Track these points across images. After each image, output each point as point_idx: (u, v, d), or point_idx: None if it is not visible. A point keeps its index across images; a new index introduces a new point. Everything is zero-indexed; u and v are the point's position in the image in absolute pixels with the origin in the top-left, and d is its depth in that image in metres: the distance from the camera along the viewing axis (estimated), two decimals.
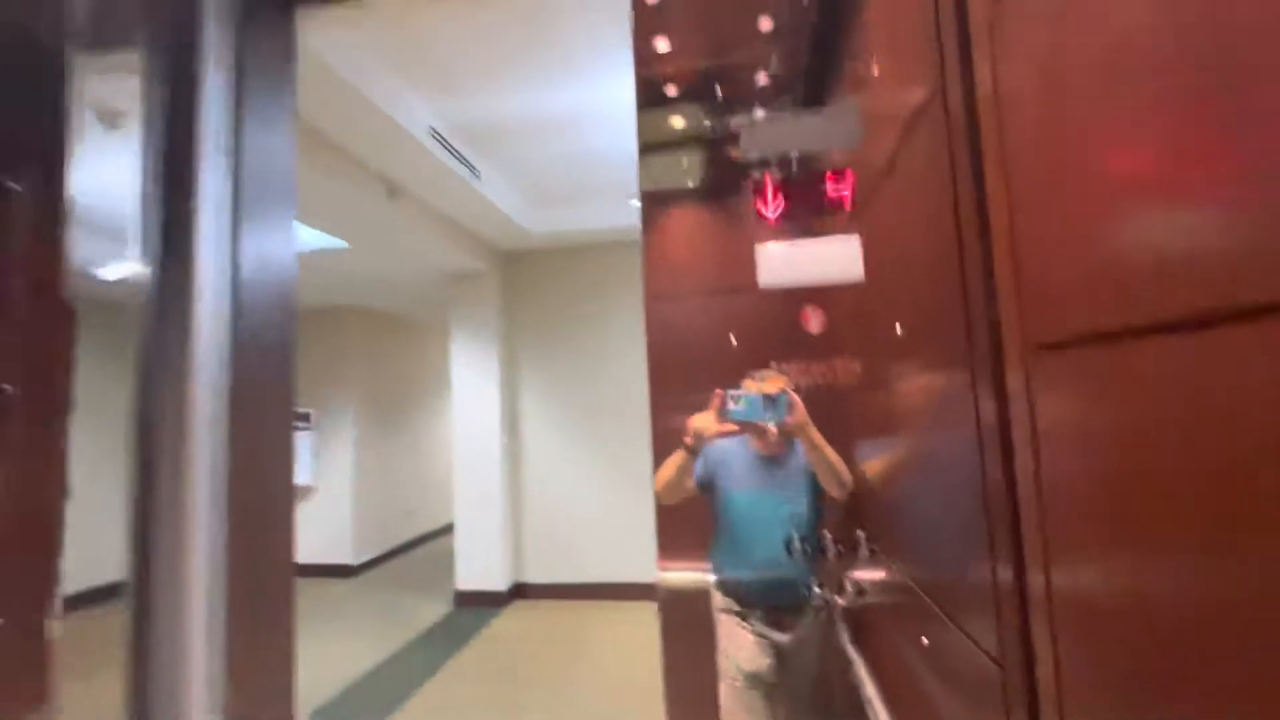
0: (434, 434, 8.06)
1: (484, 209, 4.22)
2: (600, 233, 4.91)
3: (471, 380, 5.35)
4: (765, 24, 1.49)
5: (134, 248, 0.83)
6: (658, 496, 1.31)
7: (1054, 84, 0.59)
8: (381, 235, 4.18)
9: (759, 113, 1.08)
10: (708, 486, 1.36)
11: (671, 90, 1.22)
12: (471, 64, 2.82)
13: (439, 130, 3.23)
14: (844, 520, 1.19)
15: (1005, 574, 0.70)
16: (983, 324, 0.73)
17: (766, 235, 0.79)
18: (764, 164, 0.85)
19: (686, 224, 1.26)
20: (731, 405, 1.05)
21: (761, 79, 1.18)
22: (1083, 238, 0.55)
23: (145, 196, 0.84)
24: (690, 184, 1.22)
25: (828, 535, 1.19)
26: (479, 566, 5.23)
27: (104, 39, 0.92)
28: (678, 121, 1.18)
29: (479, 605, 5.14)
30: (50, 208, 0.85)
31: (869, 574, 1.07)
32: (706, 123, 1.18)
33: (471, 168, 3.64)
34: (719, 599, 1.41)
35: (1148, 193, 0.47)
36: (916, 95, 0.86)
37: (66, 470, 0.84)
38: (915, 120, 0.86)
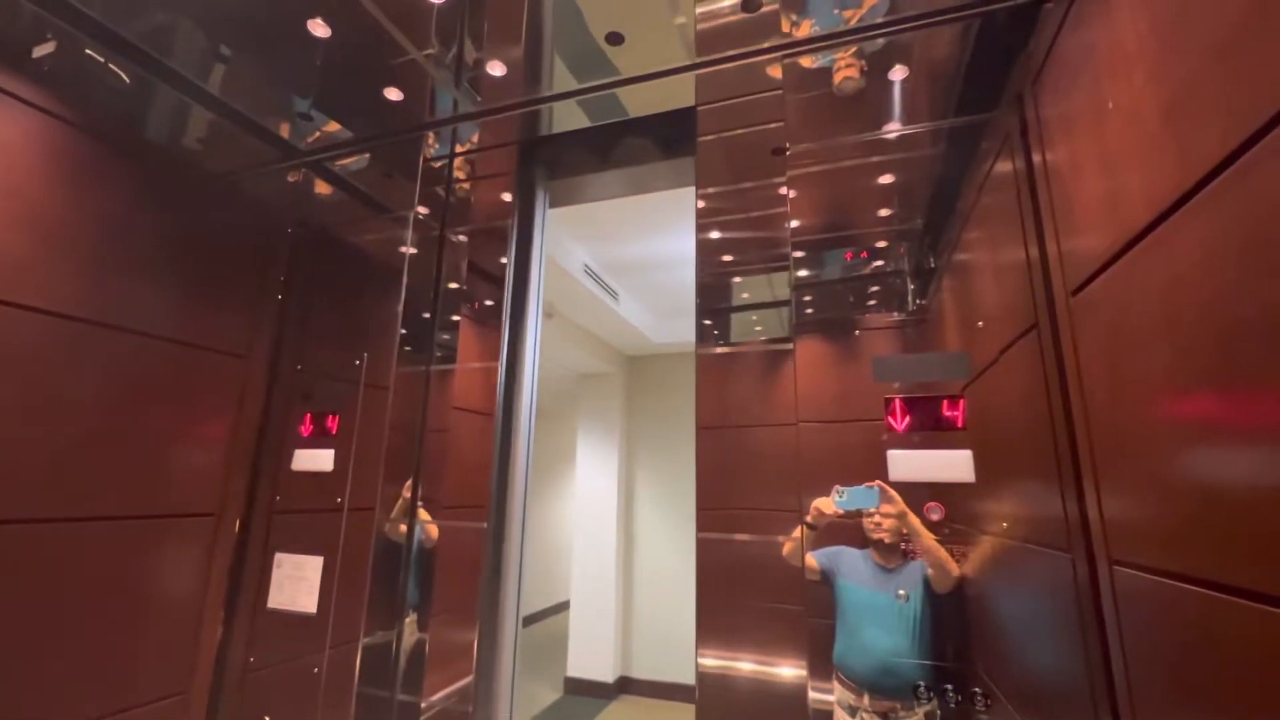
0: (551, 515, 8.56)
1: (617, 323, 4.80)
2: None
3: (593, 470, 5.79)
4: (883, 212, 1.85)
5: None
6: (787, 560, 1.60)
7: (1120, 349, 0.87)
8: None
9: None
10: (829, 579, 1.62)
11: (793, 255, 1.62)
12: (618, 217, 3.42)
13: (590, 265, 3.86)
14: (956, 641, 1.36)
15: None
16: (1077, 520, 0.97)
17: (896, 442, 1.10)
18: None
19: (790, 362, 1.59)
20: (838, 497, 1.35)
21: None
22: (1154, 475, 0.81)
23: None
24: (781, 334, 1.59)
25: (947, 688, 1.37)
26: (591, 654, 5.42)
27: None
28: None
29: (589, 694, 5.28)
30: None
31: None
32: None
33: (612, 293, 4.24)
34: (836, 690, 1.60)
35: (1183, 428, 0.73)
36: (1015, 328, 1.14)
37: None
38: (1017, 340, 1.14)
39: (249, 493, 1.67)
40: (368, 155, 1.92)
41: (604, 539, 5.59)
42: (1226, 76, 0.59)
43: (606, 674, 5.37)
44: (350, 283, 1.83)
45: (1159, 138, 0.71)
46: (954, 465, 1.05)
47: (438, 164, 1.91)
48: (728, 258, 1.74)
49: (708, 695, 1.36)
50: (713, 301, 1.70)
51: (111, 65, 1.49)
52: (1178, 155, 0.67)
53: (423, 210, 1.93)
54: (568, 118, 1.80)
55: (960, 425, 1.09)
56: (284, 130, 1.82)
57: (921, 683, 1.42)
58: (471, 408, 2.15)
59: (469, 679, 1.86)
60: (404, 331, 1.79)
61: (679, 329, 5.39)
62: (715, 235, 1.90)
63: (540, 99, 1.68)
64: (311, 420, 1.72)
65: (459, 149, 1.93)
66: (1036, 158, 1.12)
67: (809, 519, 1.53)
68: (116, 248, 1.48)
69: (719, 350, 1.63)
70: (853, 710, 1.61)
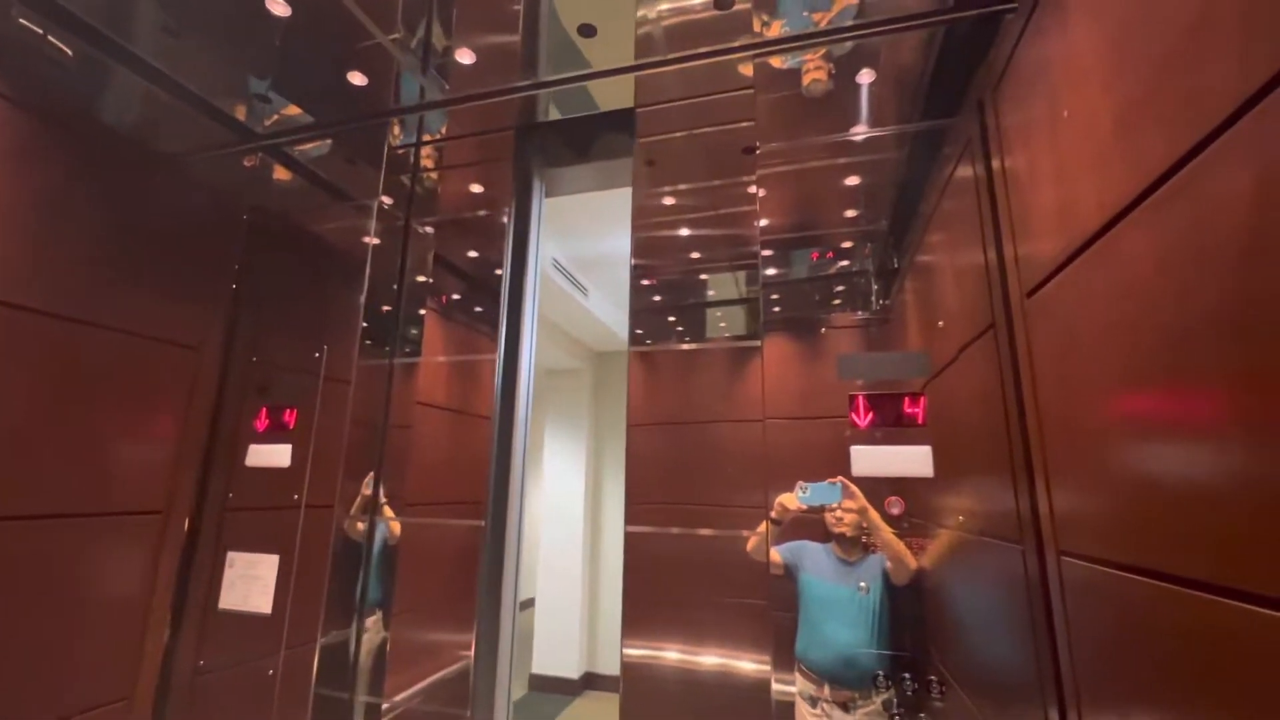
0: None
1: (586, 319, 4.77)
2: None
3: (561, 467, 5.76)
4: (849, 213, 1.89)
5: None
6: (751, 555, 1.63)
7: (1067, 352, 0.90)
8: None
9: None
10: (793, 573, 1.66)
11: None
12: (588, 211, 3.40)
13: (559, 260, 3.83)
14: (913, 631, 1.41)
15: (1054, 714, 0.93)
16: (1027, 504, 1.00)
17: (859, 438, 1.12)
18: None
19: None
20: (801, 493, 1.37)
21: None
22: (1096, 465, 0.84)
23: None
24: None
25: (905, 676, 1.41)
26: (556, 651, 5.39)
27: None
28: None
29: (554, 691, 5.26)
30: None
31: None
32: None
33: (582, 288, 4.21)
34: (799, 682, 1.64)
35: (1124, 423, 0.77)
36: (973, 327, 1.18)
37: None
38: (975, 340, 1.18)
39: (199, 490, 1.61)
40: (329, 141, 1.87)
41: (571, 536, 5.57)
42: (1173, 88, 0.61)
43: (572, 670, 5.36)
44: (310, 272, 1.77)
45: (1110, 146, 0.74)
46: (914, 461, 1.08)
47: (402, 151, 1.86)
48: (680, 255, 1.75)
49: (633, 688, 1.37)
50: (648, 301, 1.72)
51: (51, 38, 1.40)
52: (1127, 164, 0.70)
53: (387, 200, 1.88)
54: (560, 106, 1.78)
55: (921, 422, 1.12)
56: (240, 112, 1.75)
57: (880, 672, 1.46)
58: (436, 403, 2.11)
59: (437, 677, 1.83)
60: (366, 325, 1.74)
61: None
62: (685, 232, 1.90)
63: (510, 89, 1.65)
64: (268, 414, 1.66)
65: (438, 135, 1.88)
66: (995, 164, 1.16)
67: (773, 514, 1.56)
68: (55, 230, 1.40)
69: (649, 348, 1.65)
70: (814, 701, 1.65)
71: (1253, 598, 0.51)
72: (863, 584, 1.53)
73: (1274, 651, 0.49)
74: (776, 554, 1.67)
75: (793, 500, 1.47)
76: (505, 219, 1.81)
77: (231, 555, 1.53)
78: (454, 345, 2.20)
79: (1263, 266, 0.50)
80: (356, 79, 1.60)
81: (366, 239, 1.77)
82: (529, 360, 1.89)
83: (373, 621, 1.66)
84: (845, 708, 1.57)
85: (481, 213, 1.92)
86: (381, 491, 1.72)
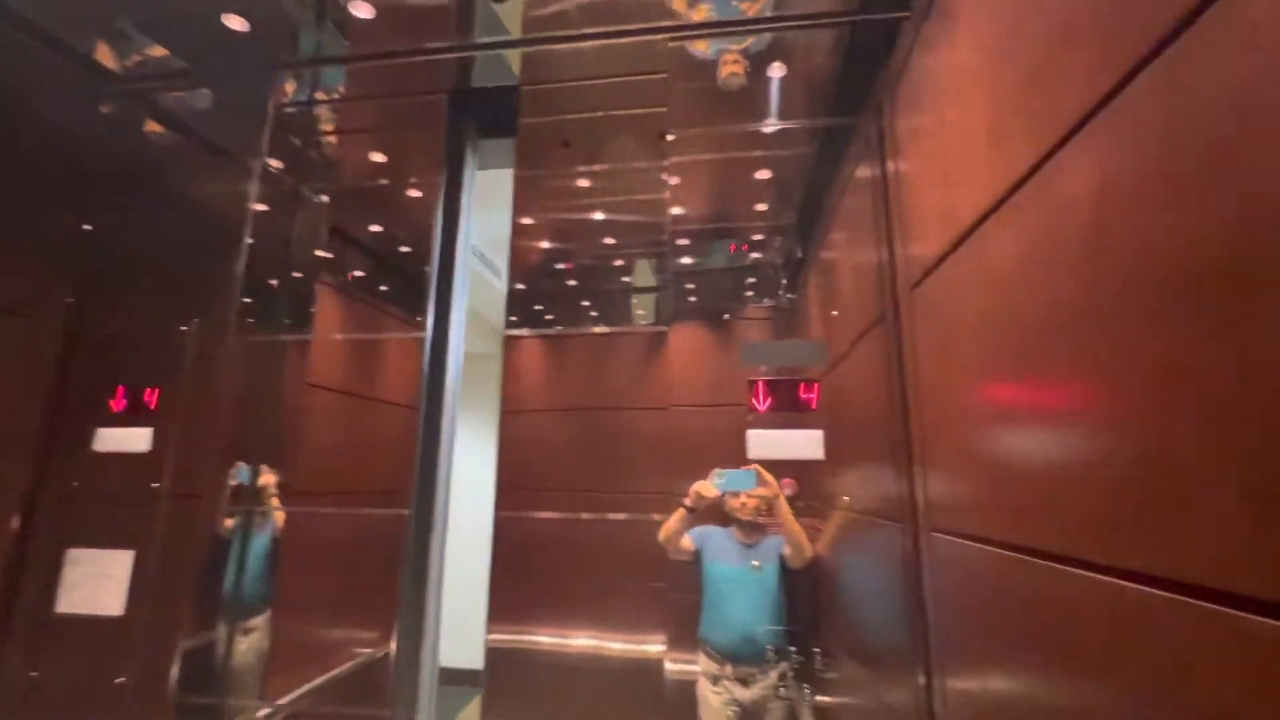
0: None
1: (499, 301, 4.64)
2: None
3: (469, 455, 5.58)
4: (760, 207, 1.94)
5: None
6: (663, 545, 1.66)
7: (942, 343, 0.97)
8: None
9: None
10: (699, 558, 1.72)
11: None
12: (504, 190, 3.29)
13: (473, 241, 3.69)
14: (807, 608, 1.49)
15: (921, 677, 1.01)
16: (906, 483, 1.07)
17: (758, 423, 1.16)
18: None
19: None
20: (717, 480, 1.41)
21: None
22: (963, 445, 0.91)
23: None
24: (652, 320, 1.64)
25: (791, 649, 1.49)
26: (461, 643, 5.25)
27: None
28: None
29: (460, 684, 5.12)
30: None
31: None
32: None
33: (496, 270, 4.08)
34: (701, 662, 1.70)
35: (988, 412, 0.83)
36: (866, 319, 1.24)
37: None
38: (867, 331, 1.25)
39: (35, 478, 1.40)
40: (207, 91, 1.67)
41: (479, 524, 5.42)
42: (1037, 97, 0.66)
43: (478, 661, 5.25)
44: (181, 238, 1.58)
45: (984, 151, 0.79)
46: (806, 444, 1.13)
47: (294, 110, 1.71)
48: (582, 240, 1.73)
49: (498, 676, 1.35)
50: (539, 284, 1.70)
51: None
52: (996, 167, 0.75)
53: (275, 163, 1.72)
54: (487, 74, 1.67)
55: (814, 407, 1.17)
56: (99, 52, 1.53)
57: (770, 647, 1.53)
58: (334, 385, 1.97)
59: (327, 676, 1.72)
60: (252, 300, 1.59)
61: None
62: (599, 217, 1.87)
63: (415, 51, 1.55)
64: (125, 394, 1.47)
65: (338, 95, 1.73)
66: (890, 165, 1.22)
67: (688, 502, 1.59)
68: None
69: (529, 334, 1.64)
70: (715, 679, 1.71)
71: (1089, 565, 0.57)
72: (754, 562, 1.59)
73: (1107, 614, 0.54)
74: (688, 540, 1.71)
75: (709, 487, 1.50)
76: (433, 192, 1.70)
77: (75, 553, 1.35)
78: (363, 325, 2.05)
79: (1102, 261, 0.55)
80: (234, 23, 1.44)
81: (250, 204, 1.61)
82: (458, 342, 1.77)
83: (257, 620, 1.53)
84: (744, 683, 1.63)
85: (400, 183, 1.80)
86: (270, 479, 1.59)
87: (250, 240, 1.61)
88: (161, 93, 1.66)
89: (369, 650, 1.87)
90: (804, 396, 1.16)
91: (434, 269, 1.71)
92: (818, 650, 1.32)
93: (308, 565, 1.73)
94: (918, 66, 1.07)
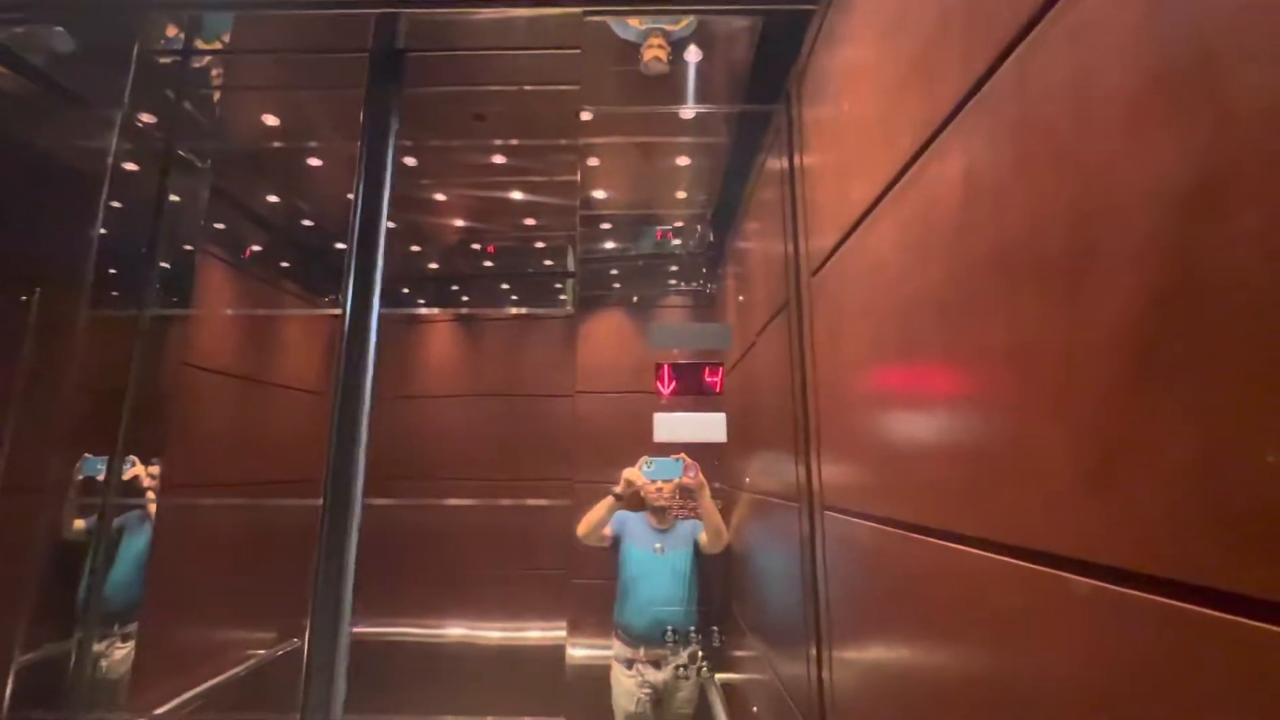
0: None
1: None
2: None
3: None
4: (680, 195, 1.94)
5: None
6: (581, 537, 1.65)
7: (835, 329, 0.99)
8: None
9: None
10: (615, 543, 1.73)
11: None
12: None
13: None
14: (718, 588, 1.52)
15: (813, 648, 1.04)
16: (805, 465, 1.10)
17: (665, 407, 1.16)
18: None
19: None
20: (646, 468, 1.43)
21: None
22: (851, 424, 0.94)
23: None
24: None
25: (693, 630, 1.53)
26: None
27: None
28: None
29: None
30: None
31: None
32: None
33: None
34: (615, 647, 1.71)
35: (873, 398, 0.86)
36: (774, 303, 1.27)
37: None
38: (773, 319, 1.27)
39: None
40: (58, 29, 1.47)
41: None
42: (918, 88, 0.69)
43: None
44: (19, 193, 1.39)
45: (875, 142, 0.81)
46: (709, 427, 1.15)
47: (166, 59, 1.53)
48: (459, 221, 1.67)
49: (363, 665, 1.29)
50: (413, 266, 1.64)
51: None
52: (884, 158, 0.78)
53: (146, 117, 1.55)
54: (432, 32, 1.52)
55: (718, 390, 1.19)
56: None
57: (680, 628, 1.56)
58: (218, 368, 1.81)
59: (217, 680, 1.59)
60: (114, 270, 1.42)
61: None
62: (516, 195, 1.81)
63: (315, 2, 1.42)
64: None
65: (223, 44, 1.56)
66: (797, 156, 1.25)
67: (617, 490, 1.59)
68: None
69: (407, 312, 1.59)
70: (629, 663, 1.72)
71: (956, 536, 0.60)
72: (657, 545, 1.62)
73: (964, 581, 0.57)
74: (608, 527, 1.71)
75: (637, 474, 1.50)
76: (344, 162, 1.55)
77: None
78: (260, 304, 1.89)
79: (965, 248, 0.57)
80: None
81: (108, 159, 1.44)
82: (374, 321, 1.61)
83: (121, 626, 1.38)
84: (657, 665, 1.66)
85: (302, 150, 1.65)
86: (141, 471, 1.43)
87: (115, 204, 1.44)
88: (2, 26, 1.44)
89: (265, 650, 1.75)
90: (709, 380, 1.17)
91: (352, 244, 1.57)
92: (715, 629, 1.35)
93: (195, 563, 1.59)
94: (820, 58, 1.09)
